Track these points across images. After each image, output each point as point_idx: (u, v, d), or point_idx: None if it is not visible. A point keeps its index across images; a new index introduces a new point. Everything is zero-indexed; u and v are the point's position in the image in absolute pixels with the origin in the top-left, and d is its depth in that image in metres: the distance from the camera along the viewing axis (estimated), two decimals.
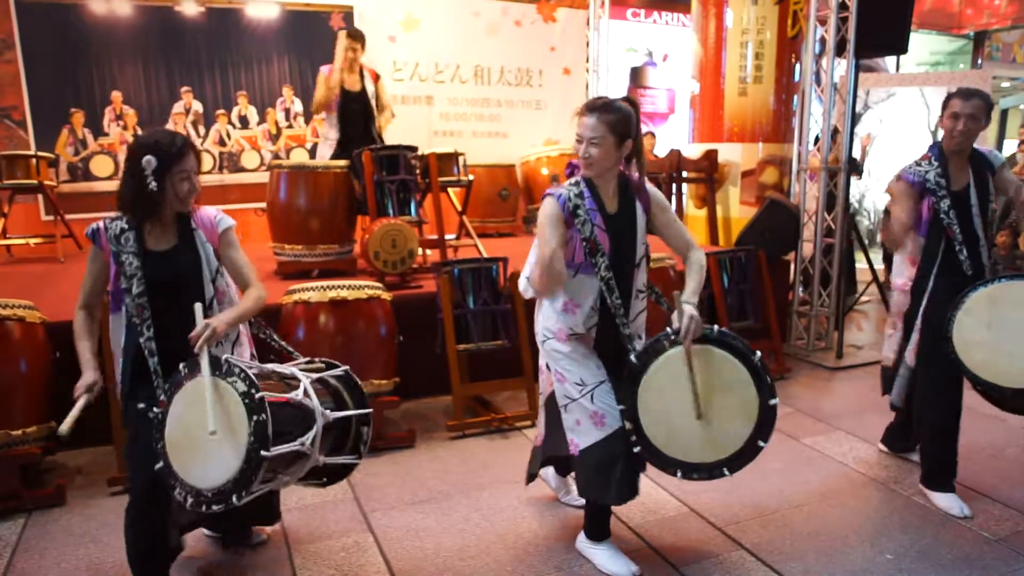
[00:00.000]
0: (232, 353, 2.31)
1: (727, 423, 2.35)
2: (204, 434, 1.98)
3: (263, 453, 1.96)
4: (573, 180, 2.48)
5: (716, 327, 2.40)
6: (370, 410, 2.38)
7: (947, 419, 3.03)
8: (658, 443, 2.38)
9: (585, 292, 2.45)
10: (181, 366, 2.11)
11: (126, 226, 2.20)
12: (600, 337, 2.50)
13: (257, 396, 1.99)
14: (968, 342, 2.82)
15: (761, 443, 2.35)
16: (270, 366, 2.28)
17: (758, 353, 2.37)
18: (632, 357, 2.41)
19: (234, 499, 1.99)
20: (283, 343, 2.57)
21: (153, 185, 2.13)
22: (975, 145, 3.00)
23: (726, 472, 2.36)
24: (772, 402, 2.33)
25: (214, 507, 2.00)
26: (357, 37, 5.29)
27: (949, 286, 2.93)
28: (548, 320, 2.54)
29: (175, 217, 2.26)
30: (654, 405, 2.38)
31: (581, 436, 2.49)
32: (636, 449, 2.41)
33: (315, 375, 2.32)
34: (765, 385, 2.33)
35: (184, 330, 2.11)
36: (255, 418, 1.97)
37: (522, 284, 2.66)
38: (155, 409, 2.11)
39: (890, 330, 3.26)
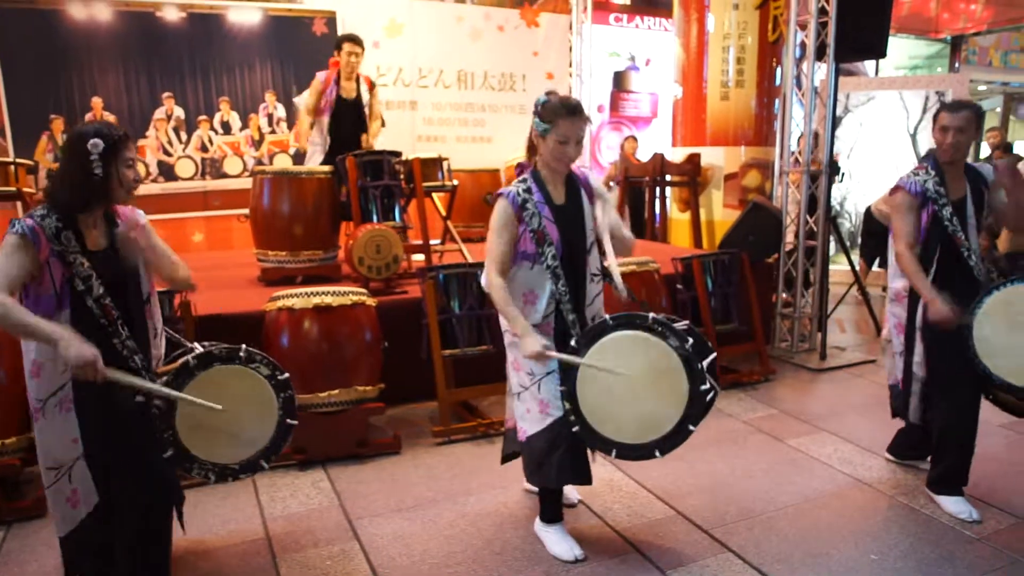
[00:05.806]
0: (157, 342, 2.33)
1: (660, 406, 2.42)
2: (229, 416, 2.24)
3: (289, 421, 2.37)
4: (520, 177, 2.60)
5: (652, 315, 2.44)
6: (288, 374, 2.43)
7: (969, 429, 2.99)
8: (594, 422, 2.46)
9: (541, 282, 2.55)
10: (189, 359, 2.26)
11: (59, 224, 2.08)
12: (559, 325, 2.58)
13: (281, 377, 2.37)
14: (991, 347, 2.81)
15: (691, 427, 2.41)
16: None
17: (690, 340, 2.39)
18: (572, 341, 2.50)
19: (263, 464, 2.36)
20: (178, 335, 2.53)
21: (99, 171, 2.07)
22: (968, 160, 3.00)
23: (657, 454, 2.43)
24: (703, 387, 2.38)
25: (241, 476, 2.37)
26: (359, 42, 5.24)
27: (948, 295, 2.85)
28: None
29: (103, 215, 2.20)
30: (591, 386, 2.45)
31: (529, 424, 2.63)
32: (575, 429, 2.48)
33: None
34: (696, 372, 2.38)
35: (135, 328, 2.18)
36: (282, 395, 2.36)
37: (483, 281, 2.69)
38: (157, 403, 2.21)
39: (891, 346, 3.18)
